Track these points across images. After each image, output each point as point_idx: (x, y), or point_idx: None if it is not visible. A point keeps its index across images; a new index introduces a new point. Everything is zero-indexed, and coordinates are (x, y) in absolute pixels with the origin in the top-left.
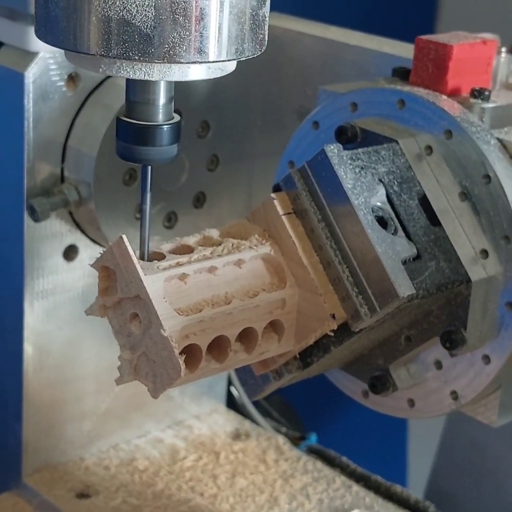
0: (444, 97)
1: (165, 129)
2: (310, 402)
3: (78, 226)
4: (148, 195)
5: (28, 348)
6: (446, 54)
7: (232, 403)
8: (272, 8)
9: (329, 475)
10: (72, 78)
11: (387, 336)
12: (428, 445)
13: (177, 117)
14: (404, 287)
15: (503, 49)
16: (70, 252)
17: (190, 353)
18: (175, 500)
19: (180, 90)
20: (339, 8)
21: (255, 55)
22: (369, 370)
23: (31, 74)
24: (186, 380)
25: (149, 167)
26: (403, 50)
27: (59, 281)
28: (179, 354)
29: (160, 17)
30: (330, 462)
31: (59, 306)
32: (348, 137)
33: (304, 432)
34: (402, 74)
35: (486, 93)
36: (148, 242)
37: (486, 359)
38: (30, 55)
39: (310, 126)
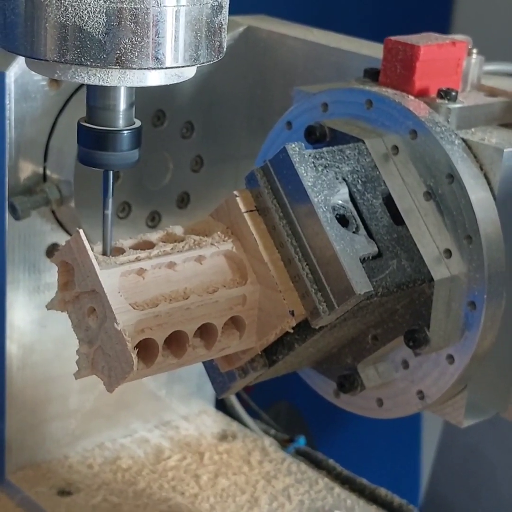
0: (411, 97)
1: (125, 134)
2: (320, 412)
3: (60, 224)
4: (110, 201)
5: (12, 346)
6: (414, 55)
7: (222, 405)
8: (267, 12)
9: (312, 477)
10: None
11: (355, 335)
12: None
13: (138, 123)
14: (361, 285)
15: (475, 50)
16: (53, 251)
17: (147, 347)
18: (155, 499)
19: (164, 90)
20: (355, 15)
21: (210, 62)
22: (339, 369)
23: (12, 73)
24: (141, 375)
25: (110, 172)
26: (381, 52)
27: (42, 279)
28: (134, 348)
29: (111, 23)
30: (317, 464)
31: (42, 304)
32: (317, 136)
33: (313, 440)
34: (372, 74)
35: (453, 93)
36: (111, 244)
37: (450, 359)
38: (12, 55)
39: (283, 126)
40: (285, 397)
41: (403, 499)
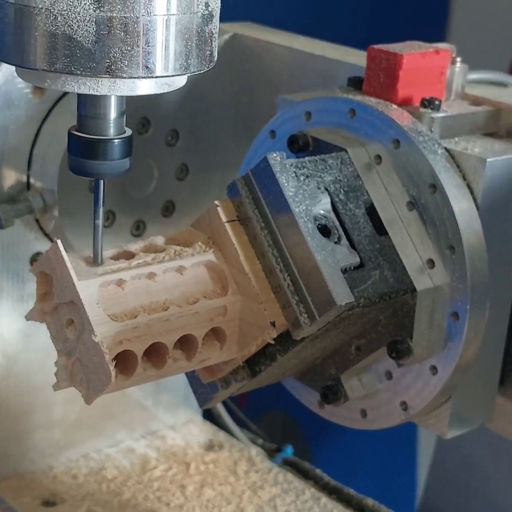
0: (394, 106)
1: (116, 143)
2: (316, 422)
3: (44, 233)
4: (101, 210)
5: None
6: (397, 64)
7: (209, 414)
8: (254, 19)
9: (299, 487)
10: (39, 86)
11: (338, 346)
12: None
13: (128, 131)
14: (342, 296)
15: (459, 59)
16: (37, 259)
17: (126, 359)
18: (140, 509)
19: (149, 98)
20: (350, 23)
21: (201, 71)
22: (322, 380)
23: None
24: (120, 386)
25: (101, 181)
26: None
27: (26, 288)
28: (113, 360)
29: (101, 32)
30: (304, 474)
31: (26, 313)
32: (300, 145)
33: (309, 450)
34: (356, 83)
35: (436, 102)
36: (101, 253)
37: (434, 369)
38: None
39: (267, 134)
40: (281, 407)
41: (391, 509)
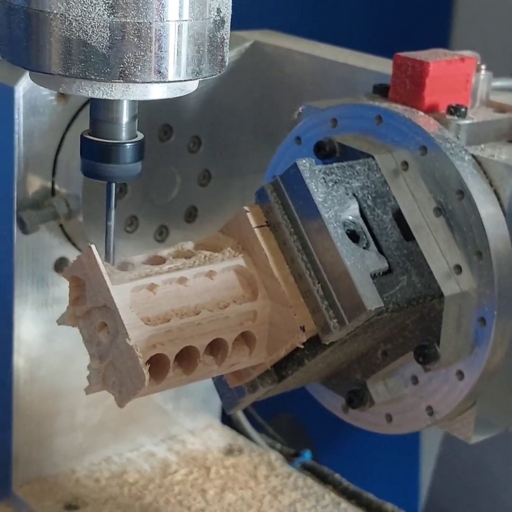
0: (421, 113)
1: (128, 147)
2: (321, 423)
3: (68, 238)
4: (113, 212)
5: (19, 360)
6: (423, 71)
7: (228, 419)
8: (267, 26)
9: (318, 491)
10: (63, 93)
11: (364, 351)
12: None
13: (140, 135)
14: (372, 301)
15: (483, 66)
16: (61, 265)
17: (158, 363)
18: None
19: (170, 105)
20: (354, 28)
21: (213, 76)
22: (347, 385)
23: (21, 88)
24: (152, 390)
25: (113, 184)
26: (389, 67)
27: (50, 293)
28: (145, 363)
29: (115, 37)
30: (323, 479)
31: (50, 318)
32: (326, 152)
33: (313, 451)
34: (382, 90)
35: (463, 109)
36: (113, 255)
37: (460, 374)
38: (21, 70)
39: (292, 141)
40: (287, 408)
41: None
